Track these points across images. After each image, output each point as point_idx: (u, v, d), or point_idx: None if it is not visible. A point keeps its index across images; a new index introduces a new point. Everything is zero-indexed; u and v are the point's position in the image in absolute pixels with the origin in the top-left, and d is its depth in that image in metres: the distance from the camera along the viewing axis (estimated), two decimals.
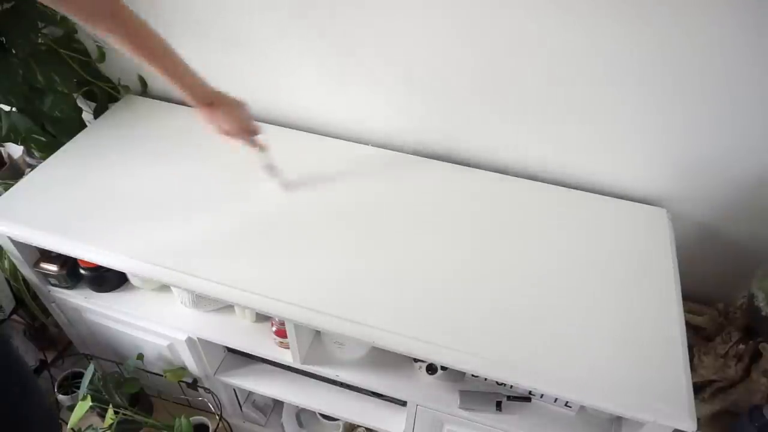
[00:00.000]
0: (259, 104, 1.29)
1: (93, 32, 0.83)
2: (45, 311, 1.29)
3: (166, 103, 1.34)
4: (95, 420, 1.26)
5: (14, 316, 1.40)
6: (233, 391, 1.31)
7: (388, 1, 0.99)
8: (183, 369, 1.21)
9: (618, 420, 0.95)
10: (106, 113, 1.30)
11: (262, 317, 1.09)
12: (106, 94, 1.34)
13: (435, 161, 1.19)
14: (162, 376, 1.21)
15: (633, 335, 0.86)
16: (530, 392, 0.98)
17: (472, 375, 1.00)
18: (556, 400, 0.97)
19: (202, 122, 0.97)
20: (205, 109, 0.96)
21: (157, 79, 1.33)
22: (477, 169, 1.17)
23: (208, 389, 1.23)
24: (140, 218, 1.02)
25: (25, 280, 1.20)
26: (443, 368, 1.00)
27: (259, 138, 1.03)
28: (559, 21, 0.92)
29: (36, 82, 1.14)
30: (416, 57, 1.06)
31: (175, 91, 0.93)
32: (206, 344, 1.13)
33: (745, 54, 0.87)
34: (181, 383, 1.22)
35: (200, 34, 1.19)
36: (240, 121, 0.99)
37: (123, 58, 1.30)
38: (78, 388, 1.17)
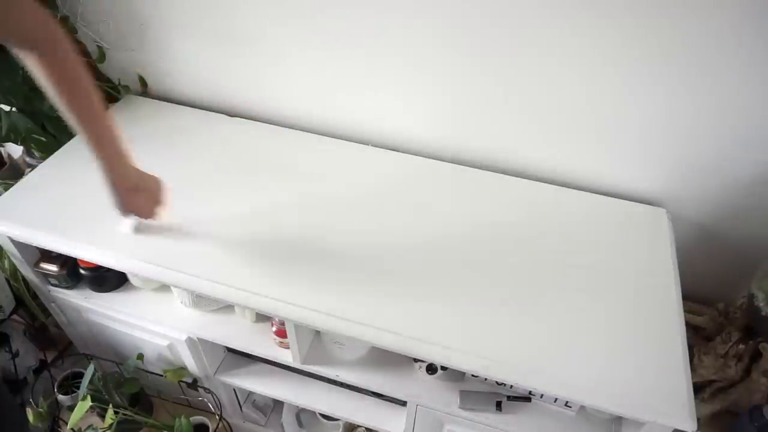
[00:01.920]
0: (271, 103, 1.29)
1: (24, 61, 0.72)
2: (45, 311, 1.29)
3: (166, 103, 1.34)
4: (95, 420, 1.26)
5: (14, 316, 1.40)
6: (233, 391, 1.31)
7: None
8: (183, 369, 1.21)
9: (618, 420, 0.95)
10: None
11: (262, 317, 1.09)
12: (106, 94, 1.34)
13: (436, 161, 1.19)
14: (162, 376, 1.21)
15: (633, 335, 0.86)
16: (530, 392, 0.98)
17: (472, 375, 1.00)
18: (556, 400, 0.97)
19: (117, 206, 0.86)
20: (128, 194, 0.85)
21: (158, 80, 1.34)
22: (477, 169, 1.17)
23: (208, 389, 1.23)
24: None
25: (25, 280, 1.20)
26: (443, 368, 1.00)
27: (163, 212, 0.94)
28: (560, 21, 0.92)
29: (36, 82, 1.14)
30: (415, 55, 1.06)
31: (96, 163, 0.80)
32: (206, 344, 1.13)
33: (745, 54, 0.87)
34: (181, 383, 1.22)
35: (207, 35, 1.19)
36: (160, 202, 0.91)
37: (123, 59, 1.31)
38: (78, 388, 1.17)
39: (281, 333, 1.02)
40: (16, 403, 1.06)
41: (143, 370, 1.24)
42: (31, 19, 0.68)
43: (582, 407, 0.97)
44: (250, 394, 1.40)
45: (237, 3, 1.11)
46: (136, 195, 0.87)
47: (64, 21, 1.20)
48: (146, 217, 0.93)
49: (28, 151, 1.35)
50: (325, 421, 1.39)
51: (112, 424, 1.09)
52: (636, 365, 0.82)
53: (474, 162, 1.20)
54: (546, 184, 1.14)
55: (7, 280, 1.25)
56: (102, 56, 1.30)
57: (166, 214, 0.95)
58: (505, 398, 0.98)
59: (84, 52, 1.25)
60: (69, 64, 0.73)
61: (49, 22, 0.71)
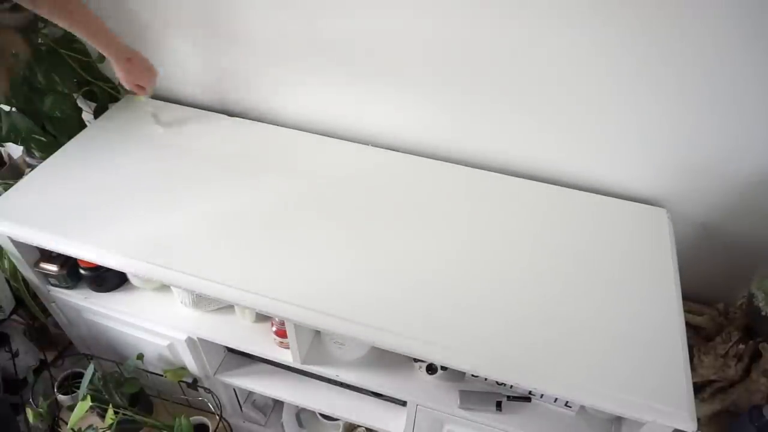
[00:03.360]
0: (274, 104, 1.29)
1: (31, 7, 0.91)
2: (45, 311, 1.29)
3: (166, 103, 1.34)
4: (95, 420, 1.26)
5: (14, 316, 1.40)
6: (233, 391, 1.31)
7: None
8: (183, 369, 1.21)
9: (618, 420, 0.95)
10: (106, 113, 1.30)
11: (262, 317, 1.09)
12: (106, 94, 1.34)
13: (436, 161, 1.19)
14: (162, 376, 1.21)
15: (633, 335, 0.86)
16: (530, 392, 0.98)
17: (472, 375, 1.00)
18: (556, 400, 0.97)
19: (122, 76, 1.09)
20: (126, 63, 1.07)
21: (157, 80, 1.33)
22: (477, 169, 1.17)
23: (208, 389, 1.23)
24: (140, 218, 1.02)
25: (25, 280, 1.20)
26: (443, 368, 1.00)
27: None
28: (561, 22, 0.92)
29: (36, 82, 1.14)
30: (414, 55, 1.07)
31: (97, 47, 1.02)
32: (206, 344, 1.13)
33: (745, 55, 0.87)
34: (181, 383, 1.22)
35: (209, 34, 1.19)
36: (151, 72, 1.12)
37: None
38: (78, 388, 1.16)
39: (281, 333, 1.02)
40: (7, 405, 1.06)
41: (143, 370, 1.24)
42: None
43: (582, 407, 0.97)
44: (250, 394, 1.40)
45: (236, 3, 1.11)
46: (133, 63, 1.08)
47: None
48: (147, 85, 1.13)
49: (28, 151, 1.35)
50: (325, 421, 1.39)
51: (112, 424, 1.09)
52: (636, 365, 0.82)
53: (474, 162, 1.20)
54: (546, 184, 1.14)
55: (7, 280, 1.24)
56: (102, 56, 1.29)
57: (153, 85, 1.15)
58: (505, 398, 0.98)
59: (84, 52, 1.25)
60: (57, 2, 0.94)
61: None
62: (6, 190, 1.08)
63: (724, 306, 1.11)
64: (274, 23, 1.12)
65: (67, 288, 1.16)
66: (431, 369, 1.00)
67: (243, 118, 1.30)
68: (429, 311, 0.88)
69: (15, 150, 1.54)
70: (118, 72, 1.08)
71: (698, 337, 1.11)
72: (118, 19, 1.22)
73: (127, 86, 1.12)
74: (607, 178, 1.13)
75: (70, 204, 1.05)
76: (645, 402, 0.78)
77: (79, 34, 1.00)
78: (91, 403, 1.06)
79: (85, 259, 1.02)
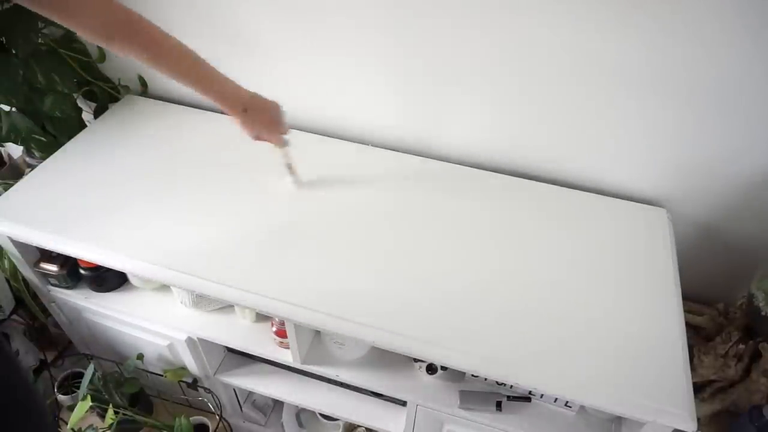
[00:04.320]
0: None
1: (112, 51, 0.77)
2: (45, 311, 1.29)
3: (166, 103, 1.34)
4: (95, 420, 1.26)
5: (14, 316, 1.40)
6: (233, 391, 1.31)
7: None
8: (183, 369, 1.21)
9: (618, 420, 0.95)
10: (106, 113, 1.30)
11: (262, 317, 1.09)
12: (106, 94, 1.34)
13: (436, 161, 1.19)
14: (162, 376, 1.21)
15: (633, 335, 0.86)
16: (530, 392, 0.98)
17: (472, 375, 1.00)
18: (556, 400, 0.97)
19: (239, 128, 0.94)
20: (240, 115, 0.91)
21: (157, 79, 1.34)
22: (477, 169, 1.17)
23: (208, 389, 1.23)
24: (140, 218, 1.02)
25: (25, 280, 1.20)
26: (443, 368, 1.00)
27: (288, 137, 1.02)
28: (562, 21, 0.92)
29: (36, 82, 1.14)
30: (414, 54, 1.07)
31: (205, 99, 0.88)
32: (206, 344, 1.13)
33: (745, 55, 0.87)
34: (181, 383, 1.22)
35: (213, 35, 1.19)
36: (276, 124, 0.97)
37: (123, 59, 1.31)
38: (78, 388, 1.16)
39: (281, 333, 1.02)
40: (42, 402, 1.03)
41: (143, 370, 1.24)
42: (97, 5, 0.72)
43: (582, 407, 0.97)
44: (250, 394, 1.40)
45: (236, 4, 1.11)
46: (250, 117, 0.92)
47: None
48: (273, 141, 0.99)
49: (28, 151, 1.35)
50: (325, 421, 1.39)
51: (112, 424, 1.09)
52: (636, 365, 0.82)
53: (473, 162, 1.20)
54: (546, 184, 1.14)
55: (7, 280, 1.24)
56: (102, 56, 1.30)
57: (286, 136, 1.01)
58: (505, 398, 0.98)
59: (84, 52, 1.25)
60: (152, 41, 0.78)
61: (112, 4, 0.74)
62: (6, 190, 1.08)
63: (724, 306, 1.11)
64: (275, 23, 1.12)
65: (67, 288, 1.16)
66: (431, 369, 1.00)
67: None
68: (429, 311, 0.88)
69: (15, 150, 1.54)
70: (235, 125, 0.93)
71: (698, 337, 1.11)
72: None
73: (252, 139, 0.97)
74: (607, 178, 1.13)
75: (70, 204, 1.05)
76: (645, 402, 0.78)
77: (172, 76, 0.83)
78: (91, 403, 1.06)
79: (86, 259, 1.02)
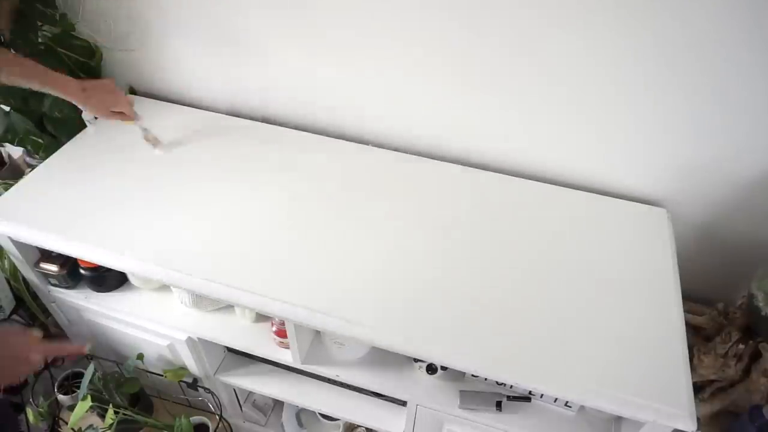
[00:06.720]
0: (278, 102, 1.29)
1: None
2: (45, 311, 1.29)
3: (166, 103, 1.34)
4: (95, 420, 1.26)
5: (14, 316, 1.40)
6: (233, 391, 1.31)
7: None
8: (183, 369, 1.21)
9: (618, 420, 0.95)
10: None
11: (262, 317, 1.09)
12: None
13: (435, 161, 1.19)
14: (162, 376, 1.21)
15: (633, 335, 0.86)
16: (530, 392, 0.98)
17: (472, 375, 1.00)
18: (556, 400, 0.97)
19: (86, 108, 1.04)
20: (81, 95, 1.01)
21: (158, 79, 1.34)
22: (477, 170, 1.17)
23: (208, 389, 1.23)
24: (140, 218, 1.02)
25: (25, 280, 1.20)
26: (443, 368, 1.00)
27: (135, 109, 1.10)
28: (562, 21, 0.92)
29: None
30: (414, 53, 1.07)
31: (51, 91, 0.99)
32: (206, 344, 1.13)
33: (746, 55, 0.87)
34: (181, 383, 1.22)
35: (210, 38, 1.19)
36: (116, 94, 1.07)
37: (122, 59, 1.31)
38: (78, 388, 1.16)
39: (281, 333, 1.02)
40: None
41: (143, 370, 1.24)
42: None
43: (582, 407, 0.97)
44: (250, 394, 1.40)
45: (236, 4, 1.11)
46: (92, 92, 1.03)
47: (64, 20, 1.20)
48: (126, 111, 1.07)
49: (28, 151, 1.35)
50: (325, 421, 1.39)
51: (112, 424, 1.09)
52: (636, 365, 0.82)
53: (473, 162, 1.20)
54: (546, 184, 1.14)
55: (7, 280, 1.24)
56: (101, 56, 1.30)
57: (129, 107, 1.08)
58: (505, 398, 0.98)
59: (84, 52, 1.25)
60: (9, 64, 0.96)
61: None
62: (6, 190, 1.08)
63: (724, 306, 1.11)
64: (274, 23, 1.12)
65: (67, 288, 1.16)
66: (431, 369, 1.00)
67: (242, 118, 1.30)
68: (429, 311, 0.88)
69: (15, 150, 1.54)
70: (82, 107, 1.04)
71: (698, 337, 1.11)
72: (119, 18, 1.22)
73: (105, 118, 1.07)
74: (607, 178, 1.13)
75: (70, 204, 1.05)
76: (645, 402, 0.78)
77: (22, 82, 0.97)
78: (91, 403, 1.06)
79: (86, 259, 1.02)
